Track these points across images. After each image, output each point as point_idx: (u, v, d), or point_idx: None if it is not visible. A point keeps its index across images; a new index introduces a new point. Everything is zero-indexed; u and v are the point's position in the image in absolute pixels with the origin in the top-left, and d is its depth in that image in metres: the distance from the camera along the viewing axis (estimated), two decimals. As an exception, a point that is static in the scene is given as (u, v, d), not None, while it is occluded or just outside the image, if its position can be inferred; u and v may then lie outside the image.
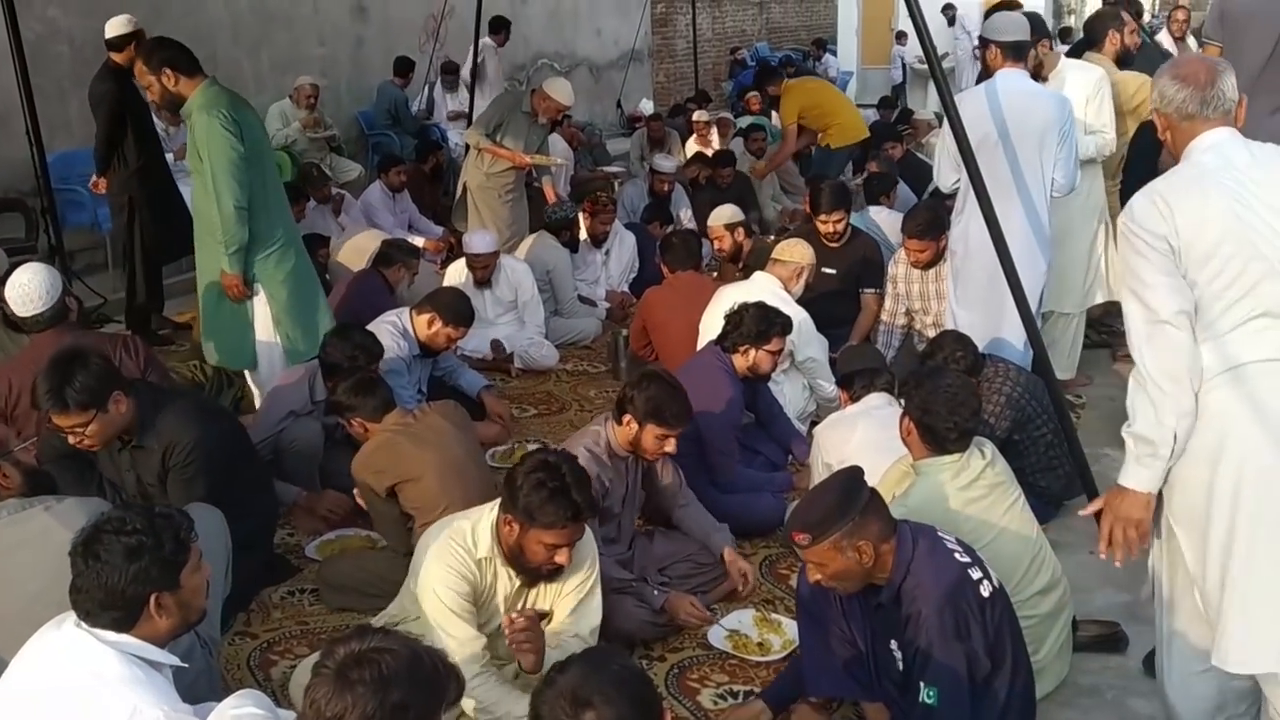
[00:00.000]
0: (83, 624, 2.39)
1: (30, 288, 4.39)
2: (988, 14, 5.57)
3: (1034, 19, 5.45)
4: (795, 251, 5.47)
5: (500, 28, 11.70)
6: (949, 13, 14.41)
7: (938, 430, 3.30)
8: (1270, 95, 4.88)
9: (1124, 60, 5.88)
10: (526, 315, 6.62)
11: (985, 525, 3.24)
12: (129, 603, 2.39)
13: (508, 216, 7.56)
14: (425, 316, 5.13)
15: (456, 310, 5.19)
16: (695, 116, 11.61)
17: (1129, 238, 2.59)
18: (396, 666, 2.00)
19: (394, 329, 5.13)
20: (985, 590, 2.82)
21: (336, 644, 2.07)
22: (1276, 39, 4.48)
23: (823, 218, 6.18)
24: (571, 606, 3.24)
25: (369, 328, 5.17)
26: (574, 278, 7.44)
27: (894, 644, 2.87)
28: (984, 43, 4.94)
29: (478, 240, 6.44)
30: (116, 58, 6.37)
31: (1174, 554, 2.70)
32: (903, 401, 3.52)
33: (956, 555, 2.86)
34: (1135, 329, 2.58)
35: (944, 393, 3.32)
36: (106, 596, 2.38)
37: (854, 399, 4.29)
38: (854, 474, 2.97)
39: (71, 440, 3.60)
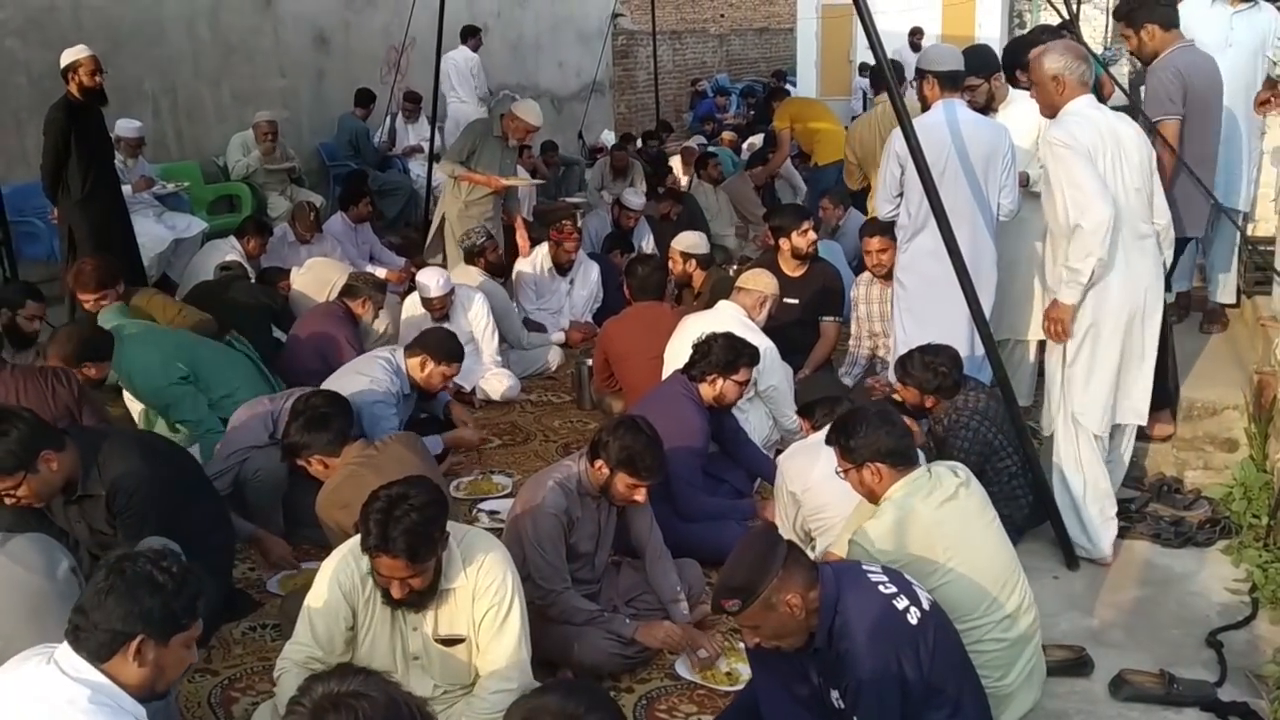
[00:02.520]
0: (54, 659, 2.35)
1: None
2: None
3: (986, 52, 5.55)
4: (759, 280, 5.50)
5: (470, 34, 11.85)
6: (915, 38, 14.49)
7: (892, 447, 3.32)
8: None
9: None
10: (482, 345, 6.56)
11: (960, 545, 3.23)
12: (116, 634, 2.35)
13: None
14: (417, 359, 5.09)
15: (447, 349, 5.16)
16: (688, 143, 11.73)
17: (1068, 148, 3.98)
18: (373, 715, 1.95)
19: (387, 365, 5.09)
20: (913, 617, 2.81)
21: (315, 681, 2.04)
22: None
23: (795, 234, 6.12)
24: (490, 632, 3.15)
25: (358, 362, 5.19)
26: (535, 304, 7.48)
27: (835, 694, 2.84)
28: (920, 74, 5.00)
29: (432, 284, 6.30)
30: (71, 87, 6.32)
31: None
32: (838, 458, 3.47)
33: (880, 588, 2.85)
34: (1080, 205, 3.96)
35: (865, 415, 3.39)
36: (104, 617, 2.35)
37: (816, 427, 4.29)
38: (767, 530, 3.02)
39: (8, 502, 3.50)
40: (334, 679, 2.02)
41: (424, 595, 3.07)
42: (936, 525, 3.24)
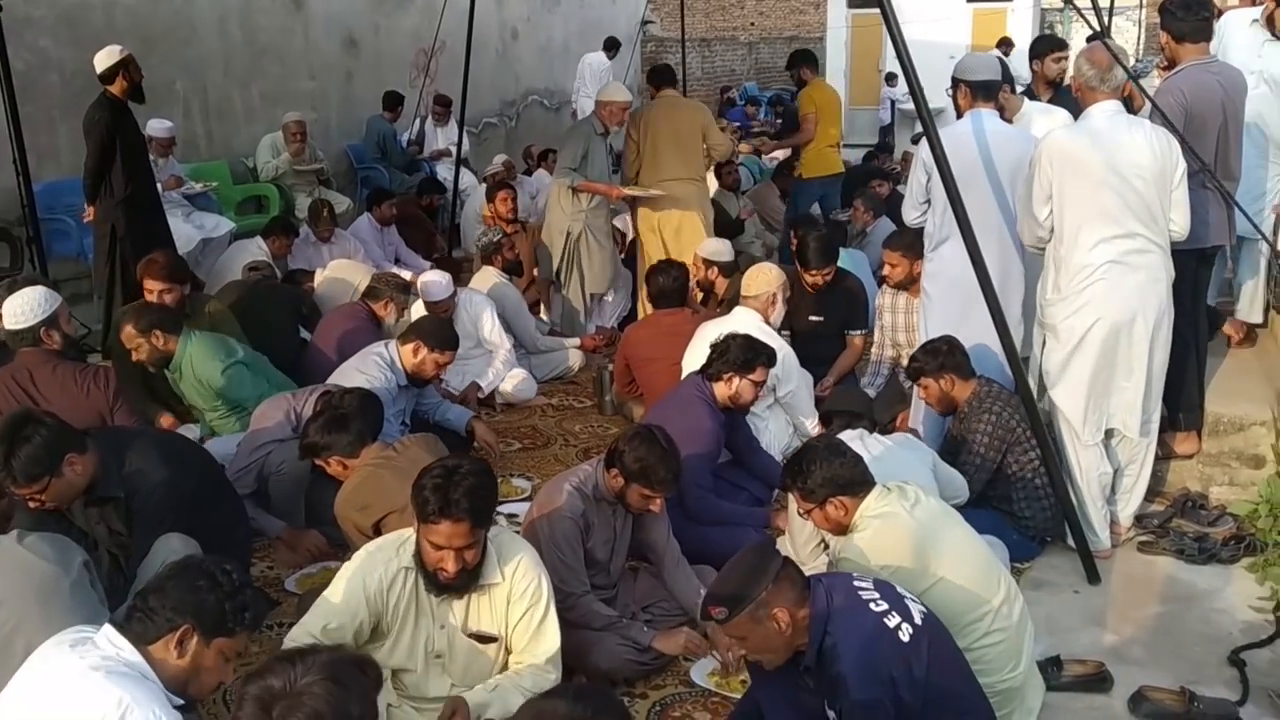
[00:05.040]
0: (94, 639, 2.42)
1: (15, 304, 4.48)
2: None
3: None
4: (760, 281, 5.47)
5: (612, 45, 12.16)
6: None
7: (849, 478, 3.34)
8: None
9: (1058, 92, 6.03)
10: (492, 347, 6.54)
11: (944, 544, 3.26)
12: (166, 619, 2.43)
13: (613, 257, 7.48)
14: (410, 345, 5.13)
15: (441, 335, 5.20)
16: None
17: (1035, 165, 4.27)
18: (318, 708, 2.03)
19: (380, 360, 5.12)
20: (905, 634, 2.79)
21: (254, 679, 2.11)
22: (1217, 128, 4.75)
23: (812, 272, 6.02)
24: (526, 635, 3.19)
25: (355, 359, 5.19)
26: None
27: (831, 714, 2.81)
28: (954, 83, 4.98)
29: (434, 287, 6.30)
30: (110, 88, 6.39)
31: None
32: (798, 500, 3.49)
33: (872, 605, 2.83)
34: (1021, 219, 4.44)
35: (815, 453, 3.40)
36: (160, 602, 2.43)
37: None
38: (764, 544, 3.02)
39: (31, 505, 3.55)
40: (274, 674, 2.10)
41: (471, 576, 3.09)
42: (920, 526, 3.26)
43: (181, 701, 2.44)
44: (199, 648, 2.46)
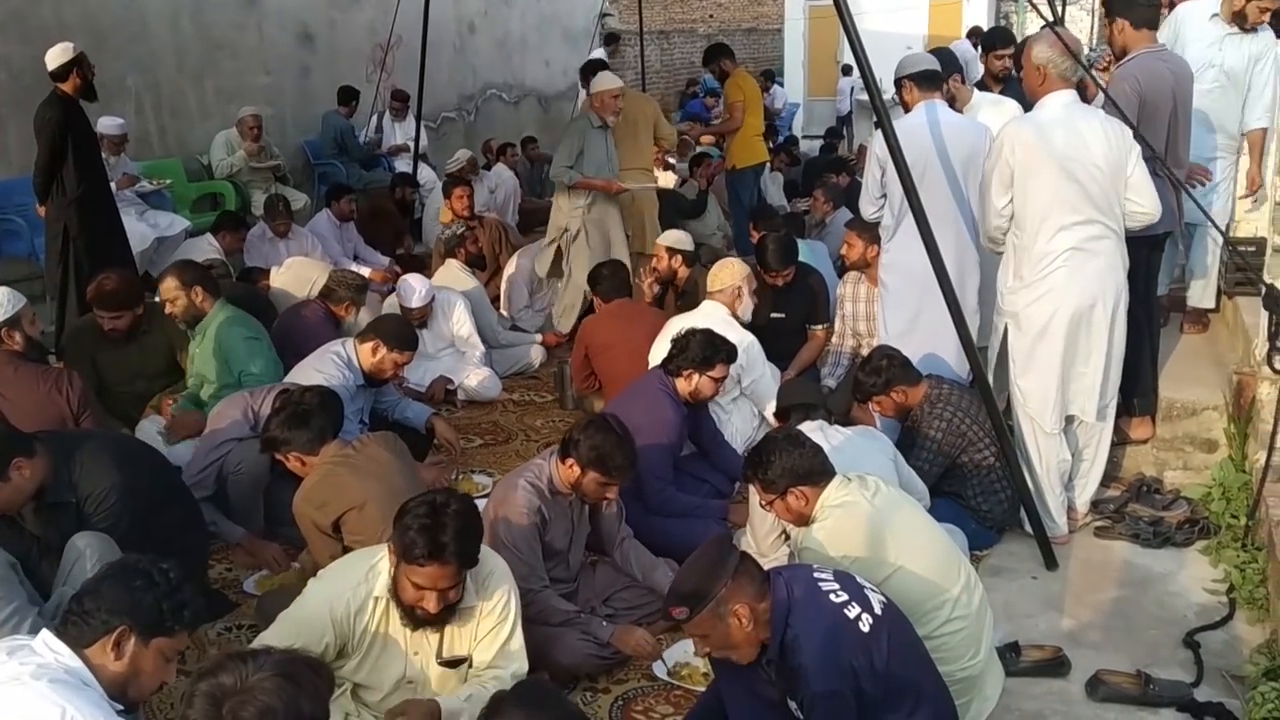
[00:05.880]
0: (31, 644, 2.37)
1: None
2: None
3: (945, 55, 5.60)
4: (725, 275, 5.48)
5: (611, 40, 11.96)
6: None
7: (809, 468, 3.36)
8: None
9: (1007, 84, 6.07)
10: (466, 347, 6.57)
11: (904, 532, 3.28)
12: (101, 621, 2.38)
13: (609, 255, 7.36)
14: (369, 344, 5.09)
15: (400, 335, 5.16)
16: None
17: (995, 157, 4.29)
18: (270, 704, 2.03)
19: (338, 359, 5.08)
20: (865, 625, 2.80)
21: (205, 676, 2.09)
22: (1168, 116, 4.80)
23: (772, 274, 6.03)
24: (492, 651, 3.14)
25: (312, 358, 5.14)
26: (527, 302, 7.44)
27: (793, 705, 2.83)
28: (898, 84, 5.03)
29: (413, 295, 6.28)
30: (63, 86, 6.29)
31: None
32: (759, 492, 3.51)
33: (832, 596, 2.85)
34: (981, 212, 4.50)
35: (774, 444, 3.43)
36: (95, 604, 2.39)
37: None
38: (721, 539, 3.03)
39: None
40: (225, 672, 2.07)
41: (452, 610, 3.02)
42: (880, 515, 3.28)
43: (121, 707, 2.41)
44: (137, 648, 2.41)
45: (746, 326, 5.43)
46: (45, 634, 2.41)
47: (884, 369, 4.46)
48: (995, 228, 4.39)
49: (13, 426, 3.59)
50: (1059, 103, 4.26)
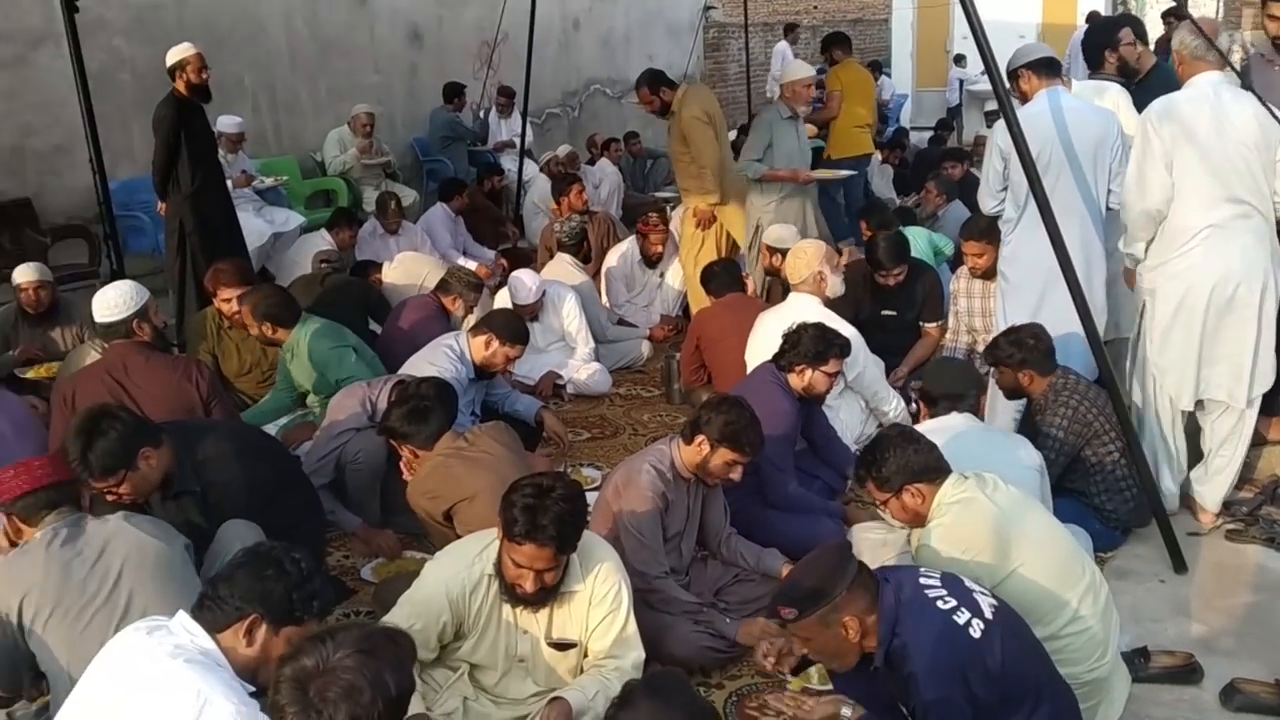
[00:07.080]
0: (168, 625, 2.44)
1: (107, 298, 4.58)
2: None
3: (1103, 25, 5.47)
4: (801, 265, 5.39)
5: (790, 29, 12.57)
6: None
7: (925, 464, 3.27)
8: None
9: (1131, 77, 5.70)
10: (576, 341, 6.60)
11: (1027, 531, 3.19)
12: (235, 607, 2.43)
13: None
14: (482, 338, 5.13)
15: (513, 329, 5.19)
16: None
17: (1144, 135, 4.23)
18: (354, 682, 2.04)
19: (450, 352, 5.13)
20: (976, 630, 2.71)
21: (288, 660, 2.11)
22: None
23: (882, 274, 5.93)
24: (608, 640, 3.14)
25: (425, 351, 5.20)
26: (626, 297, 7.43)
27: (905, 711, 2.77)
28: (1013, 75, 4.86)
29: (522, 291, 6.33)
30: (176, 85, 6.47)
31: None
32: (873, 492, 3.41)
33: (940, 603, 2.75)
34: (1130, 188, 4.31)
35: (889, 441, 3.33)
36: (229, 591, 2.44)
37: (932, 416, 4.19)
38: (842, 545, 2.95)
39: (109, 499, 3.56)
40: (306, 655, 2.10)
41: (549, 593, 3.05)
42: (1001, 512, 3.18)
43: (254, 688, 2.45)
44: (268, 636, 2.45)
45: (854, 322, 5.33)
46: (182, 615, 2.46)
47: (1028, 347, 4.30)
48: (1155, 209, 4.25)
49: (140, 416, 3.69)
50: (1207, 81, 4.22)
